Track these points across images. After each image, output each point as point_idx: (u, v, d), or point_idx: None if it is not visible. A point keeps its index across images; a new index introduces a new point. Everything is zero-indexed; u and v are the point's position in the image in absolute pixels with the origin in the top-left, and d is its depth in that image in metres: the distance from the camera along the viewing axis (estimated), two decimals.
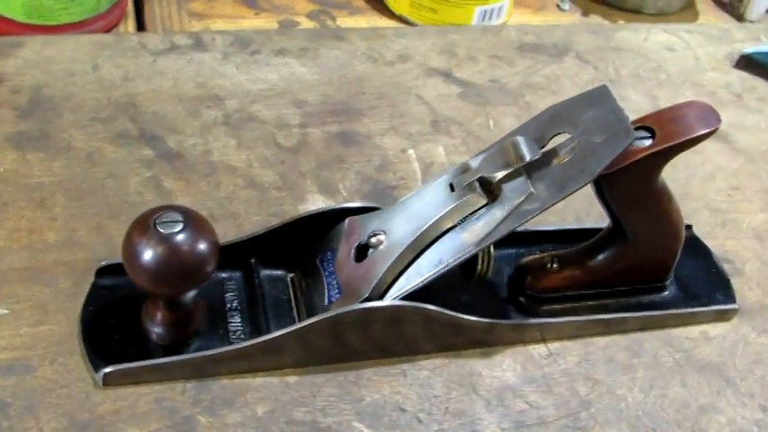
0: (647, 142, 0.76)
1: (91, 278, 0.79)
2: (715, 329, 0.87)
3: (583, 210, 0.94)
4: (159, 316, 0.75)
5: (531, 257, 0.87)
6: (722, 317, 0.88)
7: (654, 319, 0.86)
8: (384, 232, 0.77)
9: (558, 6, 1.30)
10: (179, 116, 0.97)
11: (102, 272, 0.79)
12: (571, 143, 0.75)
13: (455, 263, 0.75)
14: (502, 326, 0.81)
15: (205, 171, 0.92)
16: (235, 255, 0.81)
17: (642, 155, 0.75)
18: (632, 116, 1.05)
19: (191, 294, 0.74)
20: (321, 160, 0.95)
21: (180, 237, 0.69)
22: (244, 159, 0.94)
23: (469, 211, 0.75)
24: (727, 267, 0.92)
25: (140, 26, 1.15)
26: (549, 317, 0.84)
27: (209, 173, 0.91)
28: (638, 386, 0.81)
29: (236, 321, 0.79)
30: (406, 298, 0.76)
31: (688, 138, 0.75)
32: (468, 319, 0.79)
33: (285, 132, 0.97)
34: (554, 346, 0.83)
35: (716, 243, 0.95)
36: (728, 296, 0.89)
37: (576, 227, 0.91)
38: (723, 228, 0.97)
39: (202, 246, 0.70)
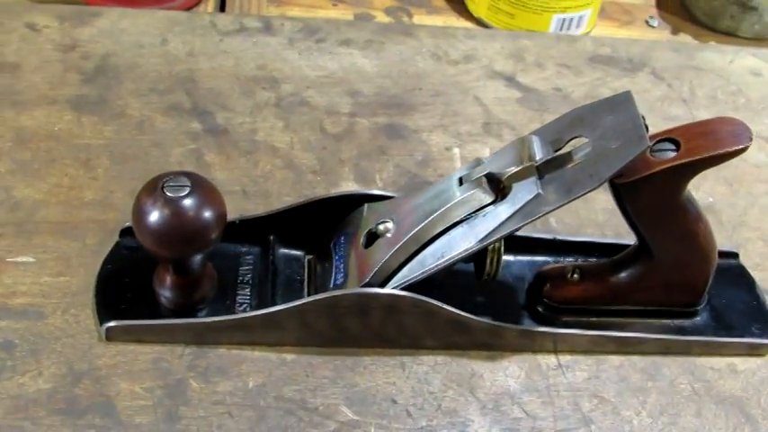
0: (672, 154, 0.73)
1: (116, 238, 0.82)
2: (745, 363, 0.83)
3: (623, 225, 0.91)
4: (168, 279, 0.77)
5: (553, 266, 0.84)
6: (755, 351, 0.84)
7: (676, 343, 0.82)
8: (392, 220, 0.77)
9: (646, 23, 1.26)
10: (233, 94, 0.99)
11: (125, 232, 0.82)
12: (587, 147, 0.73)
13: (456, 258, 0.74)
14: (509, 330, 0.79)
15: (247, 148, 0.94)
16: (254, 230, 0.83)
17: (662, 167, 0.72)
18: None
19: (197, 260, 0.76)
20: (363, 150, 0.96)
21: (185, 201, 0.71)
22: (287, 141, 0.95)
23: (476, 207, 0.74)
24: None
25: (222, 8, 1.19)
26: (563, 328, 0.81)
27: (251, 150, 0.94)
28: (648, 410, 0.78)
29: (244, 294, 0.80)
30: (407, 289, 0.75)
31: (713, 154, 0.72)
32: (471, 319, 0.77)
33: (333, 119, 0.99)
34: (565, 358, 0.81)
35: (764, 275, 0.90)
36: (765, 331, 0.84)
37: (611, 241, 0.88)
38: None
39: (206, 212, 0.72)
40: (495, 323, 0.79)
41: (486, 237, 0.74)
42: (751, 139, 0.72)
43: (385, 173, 0.93)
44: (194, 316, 0.78)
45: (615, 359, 0.81)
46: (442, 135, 0.99)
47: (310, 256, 0.84)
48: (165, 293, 0.78)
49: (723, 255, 0.90)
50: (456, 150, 0.97)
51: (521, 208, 0.73)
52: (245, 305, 0.80)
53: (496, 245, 0.78)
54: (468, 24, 1.21)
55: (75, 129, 0.93)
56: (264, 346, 0.78)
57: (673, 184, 0.74)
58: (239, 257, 0.83)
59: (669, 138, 0.74)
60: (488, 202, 0.74)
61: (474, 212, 0.75)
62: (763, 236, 0.94)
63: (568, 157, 0.74)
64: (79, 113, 0.94)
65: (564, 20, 1.16)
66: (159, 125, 0.95)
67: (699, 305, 0.84)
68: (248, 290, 0.81)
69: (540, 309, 0.83)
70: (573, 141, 0.75)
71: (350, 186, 0.91)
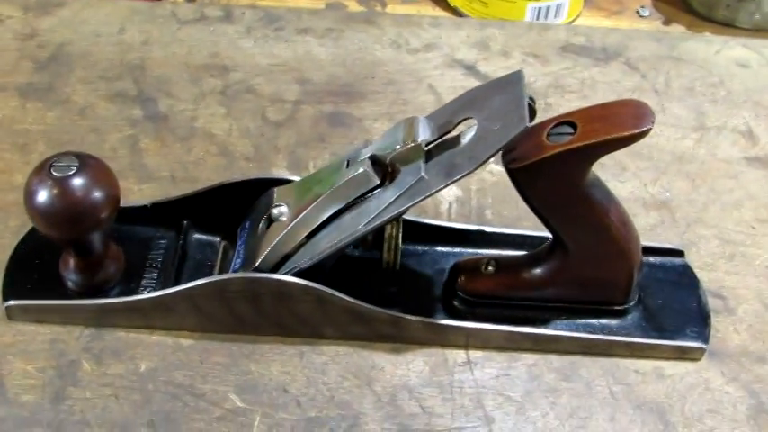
0: (568, 138, 0.69)
1: None
2: (674, 368, 0.78)
3: None
4: (71, 262, 0.77)
5: (468, 258, 0.81)
6: (686, 355, 0.78)
7: (596, 343, 0.78)
8: (287, 204, 0.75)
9: (636, 12, 1.20)
10: (180, 82, 0.99)
11: None
12: (473, 129, 0.69)
13: (344, 242, 0.72)
14: (411, 322, 0.76)
15: (183, 135, 0.93)
16: (168, 214, 0.82)
17: (554, 151, 0.68)
18: (669, 130, 0.97)
19: (96, 241, 0.75)
20: (302, 137, 0.94)
21: (71, 181, 0.71)
22: (225, 129, 0.95)
23: (363, 190, 0.72)
24: (717, 304, 0.82)
25: None
26: (474, 321, 0.78)
27: (187, 137, 0.93)
28: (556, 412, 0.74)
29: (150, 277, 0.80)
30: (300, 275, 0.73)
31: (609, 138, 0.67)
32: (368, 308, 0.75)
33: (277, 107, 0.97)
34: (476, 354, 0.77)
35: (713, 276, 0.84)
36: (700, 334, 0.78)
37: (541, 234, 0.83)
38: (729, 261, 0.86)
39: (95, 192, 0.71)
40: (396, 314, 0.76)
41: (371, 220, 0.71)
42: (653, 123, 0.67)
43: (320, 160, 0.92)
44: (99, 298, 0.78)
45: (530, 357, 0.77)
46: (387, 123, 0.96)
47: (225, 242, 0.83)
48: (70, 275, 0.78)
49: (667, 252, 0.85)
50: None
51: (405, 191, 0.70)
52: (148, 288, 0.79)
53: (393, 231, 0.76)
54: (443, 14, 1.18)
55: (18, 115, 0.94)
56: (163, 331, 0.77)
57: (569, 170, 0.69)
58: (151, 242, 0.82)
59: (568, 121, 0.70)
60: (374, 184, 0.71)
61: (363, 196, 0.72)
62: (720, 234, 0.88)
63: (456, 139, 0.71)
64: (25, 100, 0.96)
65: (540, 9, 1.11)
66: (101, 111, 0.95)
67: (626, 303, 0.79)
68: (155, 274, 0.80)
69: (455, 302, 0.80)
70: (466, 123, 0.72)
71: (281, 173, 0.90)
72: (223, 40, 1.05)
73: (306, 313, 0.76)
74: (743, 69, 1.07)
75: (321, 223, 0.73)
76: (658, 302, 0.81)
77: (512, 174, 0.71)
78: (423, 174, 0.69)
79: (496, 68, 1.04)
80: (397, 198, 0.70)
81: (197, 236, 0.83)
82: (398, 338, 0.78)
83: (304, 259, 0.73)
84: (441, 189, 0.69)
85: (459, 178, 0.68)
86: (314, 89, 1.00)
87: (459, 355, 0.77)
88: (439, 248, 0.84)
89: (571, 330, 0.78)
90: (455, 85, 1.01)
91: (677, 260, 0.84)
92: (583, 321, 0.79)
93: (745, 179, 0.94)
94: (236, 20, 1.08)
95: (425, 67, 1.04)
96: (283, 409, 0.73)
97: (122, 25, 1.06)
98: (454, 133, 0.72)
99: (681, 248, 0.85)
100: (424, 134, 0.70)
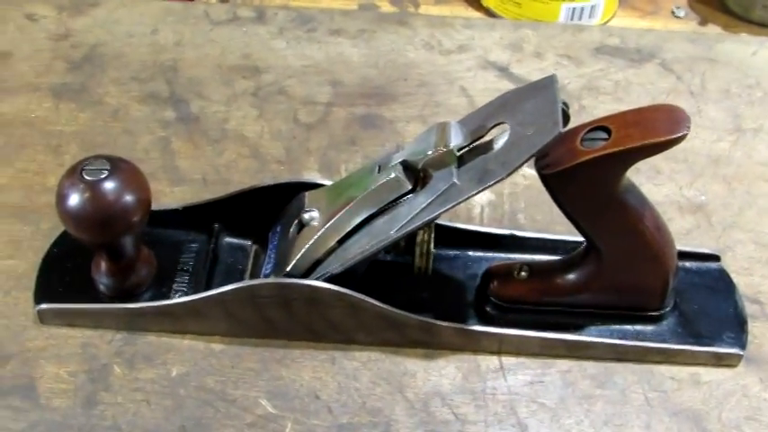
0: (602, 144, 0.68)
1: None
2: (710, 374, 0.76)
3: None
4: (103, 265, 0.77)
5: (501, 263, 0.80)
6: (722, 361, 0.77)
7: (631, 349, 0.76)
8: (318, 209, 0.75)
9: (672, 13, 1.19)
10: (212, 83, 0.99)
11: None
12: (506, 134, 0.69)
13: (376, 248, 0.72)
14: (444, 328, 0.75)
15: (215, 137, 0.93)
16: (199, 218, 0.82)
17: (588, 157, 0.67)
18: (704, 133, 0.96)
19: (128, 245, 0.75)
20: (333, 140, 0.94)
21: (103, 185, 0.71)
22: (257, 131, 0.94)
23: (393, 196, 0.71)
24: (754, 309, 0.80)
25: None
26: (507, 328, 0.77)
27: (219, 139, 0.93)
28: (590, 419, 0.73)
29: (182, 281, 0.80)
30: (332, 281, 0.73)
31: (644, 143, 0.66)
32: (400, 314, 0.74)
33: (309, 109, 0.97)
34: (510, 360, 0.77)
35: (750, 281, 0.83)
36: (737, 340, 0.77)
37: (573, 239, 0.81)
38: (766, 265, 0.84)
39: (126, 195, 0.71)
40: (428, 320, 0.75)
41: (403, 226, 0.70)
42: (689, 128, 0.66)
43: (351, 163, 0.91)
44: (130, 302, 0.78)
45: (564, 363, 0.77)
46: (419, 126, 0.95)
47: (256, 246, 0.83)
48: (102, 279, 0.78)
49: (703, 257, 0.84)
50: None
51: (437, 197, 0.69)
52: (179, 293, 0.79)
53: (424, 236, 0.75)
54: (476, 14, 1.17)
55: (51, 116, 0.95)
56: (195, 336, 0.77)
57: (603, 176, 0.68)
58: (182, 245, 0.82)
59: (602, 126, 0.69)
60: (406, 189, 0.71)
61: (394, 201, 0.72)
62: (756, 238, 0.86)
63: (489, 144, 0.70)
64: (58, 101, 0.96)
65: (574, 9, 1.10)
66: (134, 113, 0.96)
67: (661, 309, 0.78)
68: (187, 278, 0.80)
69: (487, 308, 0.79)
70: (499, 127, 0.71)
71: (312, 176, 0.89)
72: (255, 40, 1.05)
73: (337, 319, 0.75)
74: None
75: (352, 229, 0.73)
76: (694, 308, 0.80)
77: (545, 179, 0.70)
78: (455, 179, 0.69)
79: (530, 70, 1.03)
80: (428, 204, 0.70)
81: (228, 239, 0.83)
82: (430, 344, 0.77)
83: (335, 265, 0.73)
84: (473, 195, 0.68)
85: (492, 184, 0.67)
86: (346, 91, 1.00)
87: (491, 361, 0.76)
88: (471, 253, 0.84)
89: (605, 337, 0.77)
90: (488, 86, 1.01)
91: (713, 265, 0.83)
92: (617, 327, 0.78)
93: None
94: (268, 20, 1.08)
95: (458, 68, 1.03)
96: (315, 416, 0.72)
97: (155, 26, 1.07)
98: (487, 138, 0.71)
99: (717, 253, 0.83)
100: (456, 139, 0.69)
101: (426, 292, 0.80)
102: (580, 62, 1.04)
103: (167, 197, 0.87)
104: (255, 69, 1.01)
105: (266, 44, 1.05)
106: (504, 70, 1.03)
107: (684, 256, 0.83)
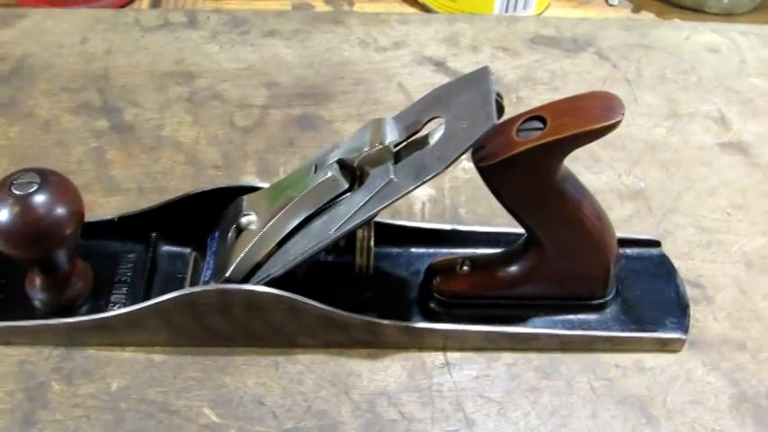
0: (537, 133, 0.67)
1: None
2: (654, 360, 0.77)
3: None
4: (37, 281, 0.75)
5: (443, 258, 0.80)
6: (666, 347, 0.77)
7: (575, 339, 0.77)
8: (256, 213, 0.74)
9: (606, 1, 1.19)
10: (145, 91, 0.98)
11: None
12: (441, 128, 0.68)
13: (315, 249, 0.71)
14: (387, 327, 0.75)
15: (151, 145, 0.92)
16: (135, 227, 0.80)
17: (523, 147, 0.66)
18: (641, 119, 0.96)
19: (61, 259, 0.74)
20: (271, 142, 0.93)
21: (32, 198, 0.69)
22: (193, 136, 0.93)
23: (330, 195, 0.70)
24: (695, 293, 0.81)
25: (158, 3, 1.17)
26: (451, 323, 0.76)
27: (154, 147, 0.91)
28: (537, 411, 0.73)
29: (120, 293, 0.78)
30: (272, 284, 0.72)
31: (579, 131, 0.66)
32: (342, 315, 0.73)
33: (245, 113, 0.96)
34: (455, 356, 0.76)
35: (691, 265, 0.83)
36: (679, 325, 0.78)
37: (517, 231, 0.81)
38: (706, 249, 0.85)
39: (57, 209, 0.70)
40: (372, 319, 0.74)
41: (341, 225, 0.70)
42: (623, 114, 0.66)
43: (290, 165, 0.90)
44: (67, 317, 0.76)
45: (509, 356, 0.76)
46: (357, 124, 0.94)
47: (196, 253, 0.81)
48: (36, 295, 0.76)
49: (643, 243, 0.84)
50: None
51: (375, 194, 0.69)
52: (118, 304, 0.77)
53: (364, 235, 0.74)
54: (411, 10, 1.17)
55: None
56: (135, 347, 0.75)
57: (539, 166, 0.68)
58: (119, 256, 0.81)
59: (537, 116, 0.68)
60: (343, 188, 0.70)
61: (332, 201, 0.71)
62: (696, 222, 0.87)
63: (425, 139, 0.69)
64: None
65: (508, 1, 1.10)
66: (66, 124, 0.93)
67: (604, 297, 0.79)
68: (125, 289, 0.79)
69: (431, 304, 0.79)
70: (435, 121, 0.70)
71: (250, 180, 0.88)
72: (188, 45, 1.04)
73: (279, 323, 0.74)
74: (713, 54, 1.06)
75: (291, 230, 0.72)
76: (636, 294, 0.80)
77: (482, 172, 0.70)
78: (392, 176, 0.68)
79: (466, 64, 1.03)
80: (366, 202, 0.69)
81: (167, 248, 0.81)
82: (375, 344, 0.76)
83: (275, 268, 0.72)
84: (411, 191, 0.67)
85: (429, 179, 0.67)
86: (282, 92, 0.98)
87: (437, 357, 0.76)
88: (414, 250, 0.83)
89: (550, 327, 0.77)
90: (425, 82, 1.00)
91: (654, 251, 0.84)
92: (561, 318, 0.78)
93: (719, 165, 0.93)
94: (200, 25, 1.07)
95: (394, 65, 1.03)
96: (260, 422, 0.71)
97: (85, 35, 1.04)
98: (423, 133, 0.71)
99: (657, 238, 0.84)
100: (391, 135, 0.69)
101: (369, 291, 0.80)
102: (516, 54, 1.04)
103: (103, 208, 0.86)
104: (189, 75, 1.00)
105: (199, 49, 1.03)
106: (440, 65, 1.02)
107: (625, 242, 0.83)
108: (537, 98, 0.98)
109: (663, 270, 0.82)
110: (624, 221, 0.87)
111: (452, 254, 0.82)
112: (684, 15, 1.17)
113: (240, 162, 0.90)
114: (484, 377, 0.75)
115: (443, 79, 1.00)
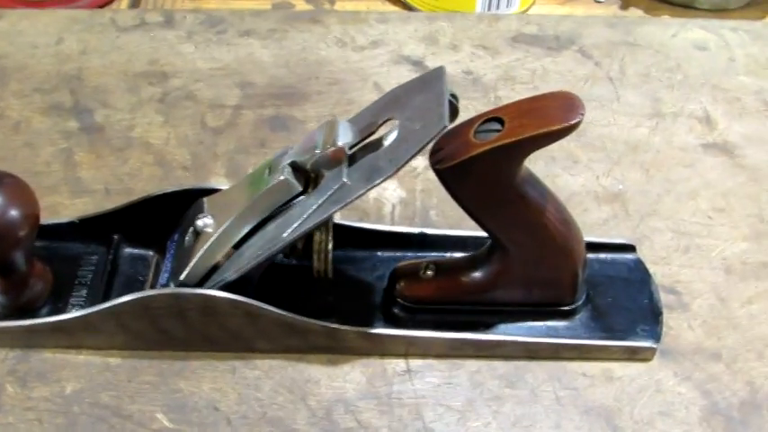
0: (494, 135, 0.65)
1: None
2: (624, 369, 0.74)
3: None
4: None
5: (408, 262, 0.78)
6: (635, 356, 0.75)
7: (541, 347, 0.74)
8: (213, 215, 0.72)
9: None
10: (117, 91, 0.96)
11: None
12: (395, 130, 0.66)
13: (268, 254, 0.69)
14: (347, 332, 0.73)
15: (120, 146, 0.91)
16: (97, 229, 0.79)
17: (480, 150, 0.64)
18: (623, 119, 0.94)
19: (19, 260, 0.73)
20: (242, 143, 0.91)
21: None
22: (163, 137, 0.92)
23: (284, 198, 0.69)
24: (670, 300, 0.79)
25: (137, 2, 1.16)
26: (413, 329, 0.74)
27: (123, 148, 0.90)
28: (498, 421, 0.71)
29: (79, 295, 0.77)
30: (227, 288, 0.70)
31: (536, 133, 0.63)
32: (300, 320, 0.72)
33: (217, 113, 0.94)
34: (417, 363, 0.74)
35: (667, 270, 0.81)
36: (651, 333, 0.75)
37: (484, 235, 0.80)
38: (684, 254, 0.82)
39: (11, 210, 0.69)
40: (330, 325, 0.73)
41: (295, 228, 0.68)
42: (582, 115, 0.64)
43: None
44: (24, 319, 0.75)
45: (473, 364, 0.74)
46: None
47: (158, 256, 0.80)
48: None
49: (617, 247, 0.82)
50: None
51: (328, 197, 0.67)
52: (76, 307, 0.76)
53: (322, 238, 0.72)
54: (394, 9, 1.15)
55: None
56: (91, 351, 0.74)
57: (498, 168, 0.66)
58: (81, 258, 0.80)
59: (496, 117, 0.66)
60: (296, 191, 0.69)
61: (287, 203, 0.69)
62: (675, 226, 0.85)
63: (379, 141, 0.68)
64: None
65: None
66: (36, 125, 0.93)
67: (573, 304, 0.76)
68: (84, 291, 0.77)
69: (395, 309, 0.77)
70: (389, 123, 0.69)
71: (219, 181, 0.87)
72: (163, 45, 1.02)
73: (236, 328, 0.73)
74: (701, 52, 1.04)
75: (247, 234, 0.71)
76: (608, 301, 0.78)
77: (439, 174, 0.68)
78: (344, 179, 0.66)
79: (444, 62, 1.00)
80: (320, 205, 0.67)
81: (129, 250, 0.80)
82: (336, 349, 0.75)
83: (230, 272, 0.70)
84: (363, 194, 0.66)
85: (381, 182, 0.65)
86: (255, 92, 0.97)
87: (398, 364, 0.74)
88: (380, 253, 0.81)
89: (515, 335, 0.75)
90: (401, 81, 0.96)
91: (629, 255, 0.81)
92: (529, 324, 0.76)
93: (701, 167, 0.90)
94: (177, 25, 1.05)
95: (371, 64, 1.01)
96: (213, 428, 0.70)
97: (60, 35, 1.03)
98: (379, 134, 0.69)
99: (632, 243, 0.81)
100: (344, 137, 0.67)
101: (331, 295, 0.78)
102: (496, 52, 1.02)
103: (68, 210, 0.85)
104: (163, 75, 0.99)
105: (174, 49, 1.02)
106: (418, 64, 1.00)
107: (599, 247, 0.81)
108: (515, 97, 0.94)
109: (637, 276, 0.80)
110: (600, 225, 0.85)
111: (420, 258, 0.80)
112: (674, 12, 1.14)
113: (209, 163, 0.89)
114: (446, 385, 0.73)
115: None
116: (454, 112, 0.65)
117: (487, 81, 0.98)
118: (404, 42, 1.04)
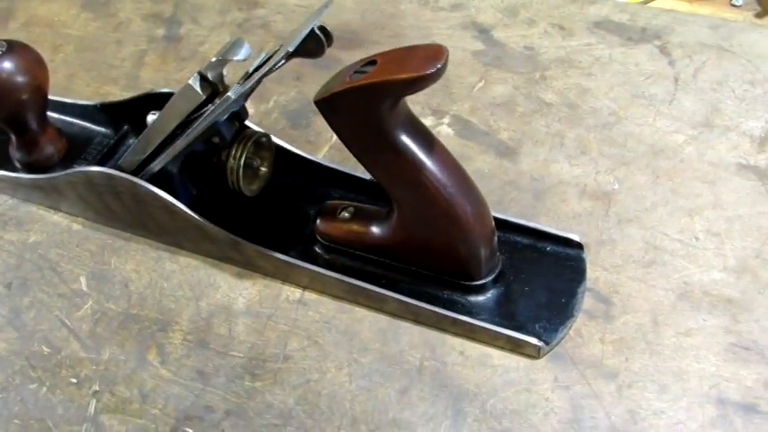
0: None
1: None
2: (503, 359, 0.71)
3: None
4: (12, 139, 0.88)
5: (334, 201, 0.79)
6: (519, 349, 0.71)
7: (424, 312, 0.73)
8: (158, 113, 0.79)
9: (730, 2, 1.04)
10: (211, 11, 1.06)
11: None
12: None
13: (176, 149, 0.75)
14: (248, 248, 0.76)
15: (185, 56, 1.00)
16: (113, 115, 0.89)
17: (342, 87, 0.65)
18: (663, 121, 0.86)
19: (30, 121, 0.84)
20: (279, 73, 0.94)
21: None
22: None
23: (190, 104, 0.74)
24: (597, 308, 0.73)
25: None
26: (319, 266, 0.76)
27: (187, 58, 1.00)
28: (350, 369, 0.71)
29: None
30: (153, 181, 0.77)
31: (388, 78, 0.63)
32: (209, 225, 0.77)
33: (274, 45, 0.99)
34: (311, 297, 0.76)
35: (614, 279, 0.74)
36: (548, 332, 0.70)
37: None
38: (644, 267, 0.75)
39: (17, 75, 0.81)
40: (234, 237, 0.76)
41: (187, 134, 0.74)
42: (439, 68, 0.62)
43: (284, 96, 0.94)
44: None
45: (361, 312, 0.75)
46: None
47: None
48: (13, 153, 0.88)
49: (564, 241, 0.77)
50: None
51: (214, 108, 0.72)
52: None
53: (236, 153, 0.76)
54: None
55: (69, 21, 1.07)
56: (64, 214, 0.85)
57: (362, 108, 0.66)
58: (94, 138, 0.90)
59: (373, 60, 0.66)
60: (200, 99, 0.74)
61: (202, 110, 0.75)
62: (651, 238, 0.77)
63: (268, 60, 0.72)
64: (82, 9, 1.08)
65: None
66: (133, 27, 1.05)
67: (477, 280, 0.73)
68: (84, 165, 0.88)
69: (314, 245, 0.79)
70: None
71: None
72: None
73: (161, 220, 0.79)
74: None
75: (173, 132, 0.77)
76: (525, 289, 0.74)
77: (317, 106, 0.69)
78: (230, 93, 0.70)
79: (512, 35, 0.97)
80: (210, 111, 0.72)
81: (134, 139, 0.89)
82: (245, 265, 0.79)
83: (152, 164, 0.77)
84: (235, 99, 0.70)
85: (240, 93, 0.70)
86: None
87: (294, 293, 0.77)
88: (322, 189, 0.83)
89: (405, 295, 0.73)
90: (459, 46, 0.97)
91: (572, 252, 0.76)
92: (429, 291, 0.74)
93: (723, 186, 0.80)
94: None
95: (440, 26, 1.00)
96: (114, 301, 0.77)
97: None
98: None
99: (585, 242, 0.75)
100: (235, 55, 0.72)
101: (268, 220, 0.81)
102: (570, 34, 0.96)
103: (117, 98, 0.95)
104: (254, 3, 1.06)
105: None
106: (485, 32, 0.98)
107: (543, 236, 0.77)
108: (562, 80, 0.91)
109: (571, 274, 0.74)
110: (571, 218, 0.79)
111: (353, 201, 0.80)
112: None
113: None
114: (324, 323, 0.74)
115: (478, 47, 0.97)
116: (319, 42, 0.69)
117: (542, 60, 0.94)
118: (483, 9, 1.01)
